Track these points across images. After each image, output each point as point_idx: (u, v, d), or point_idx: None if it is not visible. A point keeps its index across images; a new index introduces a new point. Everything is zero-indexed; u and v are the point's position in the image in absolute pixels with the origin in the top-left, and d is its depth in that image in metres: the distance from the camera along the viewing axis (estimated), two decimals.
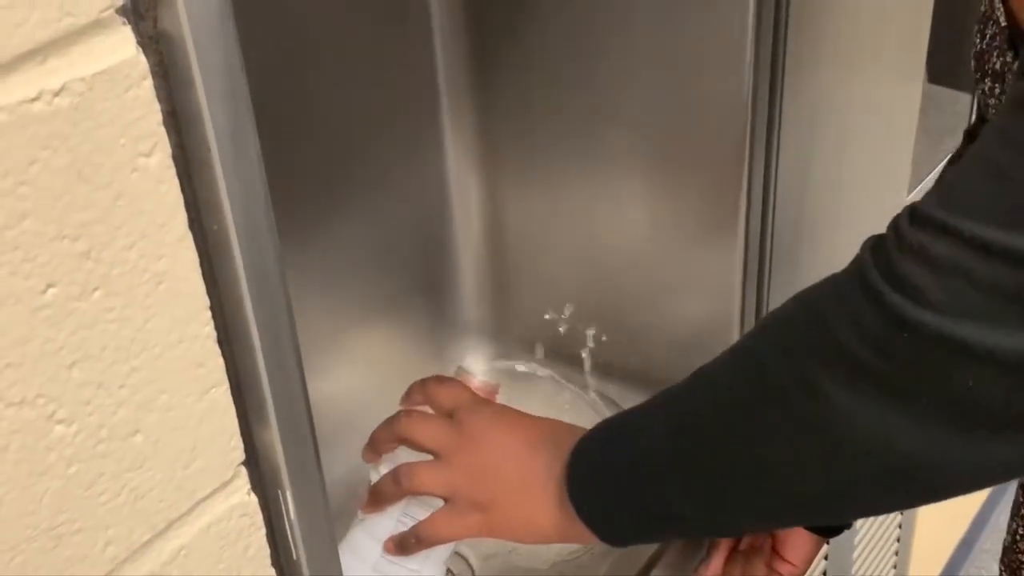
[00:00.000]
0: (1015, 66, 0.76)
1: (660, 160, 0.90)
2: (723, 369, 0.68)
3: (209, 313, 0.47)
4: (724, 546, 0.88)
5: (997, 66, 0.78)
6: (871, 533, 1.43)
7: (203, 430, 0.49)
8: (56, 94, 0.39)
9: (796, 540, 0.87)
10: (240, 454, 0.51)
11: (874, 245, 0.58)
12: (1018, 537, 1.01)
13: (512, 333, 1.06)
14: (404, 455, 0.82)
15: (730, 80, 0.82)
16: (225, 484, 0.51)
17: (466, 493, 0.78)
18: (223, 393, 0.50)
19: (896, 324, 0.55)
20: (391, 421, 0.83)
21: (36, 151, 0.39)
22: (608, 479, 0.73)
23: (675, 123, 0.87)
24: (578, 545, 0.91)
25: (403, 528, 0.80)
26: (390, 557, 0.81)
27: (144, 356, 0.45)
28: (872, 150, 1.08)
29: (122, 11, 0.40)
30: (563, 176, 0.95)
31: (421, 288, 1.03)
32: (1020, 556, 1.01)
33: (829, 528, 0.88)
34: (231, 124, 0.45)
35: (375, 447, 0.84)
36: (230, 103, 0.45)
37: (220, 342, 0.49)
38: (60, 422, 0.43)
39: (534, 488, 0.76)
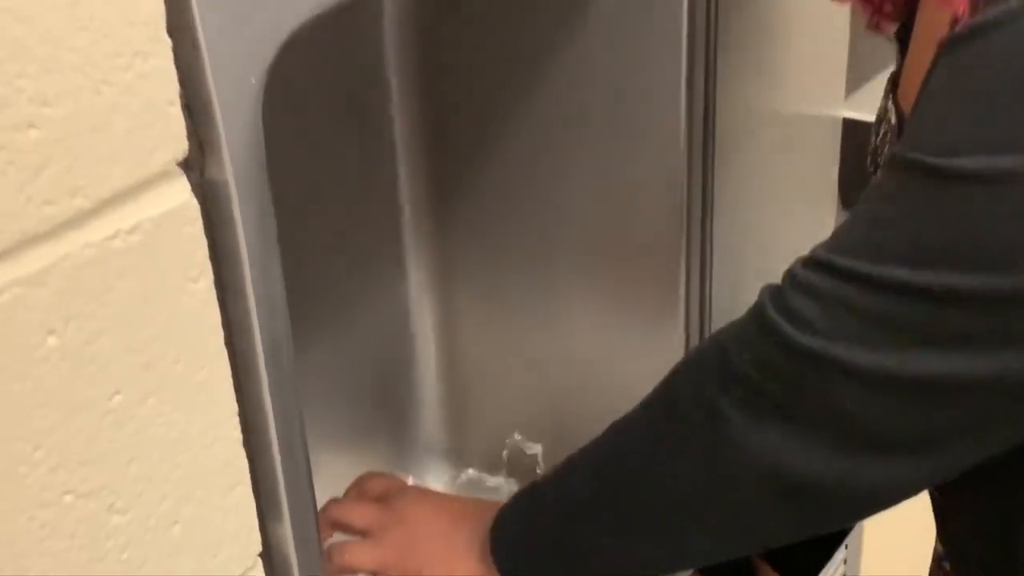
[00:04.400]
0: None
1: (604, 261, 0.96)
2: (639, 409, 0.76)
3: (238, 419, 0.55)
4: None
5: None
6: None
7: (228, 523, 0.56)
8: (130, 232, 0.47)
9: None
10: (258, 546, 0.58)
11: (773, 289, 0.68)
12: None
13: (473, 453, 1.12)
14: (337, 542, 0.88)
15: (665, 190, 0.89)
16: (245, 573, 0.58)
17: (395, 566, 0.85)
18: (246, 490, 0.57)
19: (784, 349, 0.65)
20: (322, 510, 0.89)
21: (113, 280, 0.47)
22: (527, 528, 0.80)
23: (615, 226, 0.93)
24: None
25: None
26: None
27: (185, 455, 0.52)
28: (800, 225, 1.14)
29: (181, 163, 0.49)
30: (518, 296, 1.00)
31: (382, 411, 1.09)
32: None
33: (798, 570, 0.94)
34: (262, 258, 0.53)
35: None
36: (261, 239, 0.53)
37: (244, 444, 0.56)
38: (117, 512, 0.50)
39: (458, 556, 0.83)
